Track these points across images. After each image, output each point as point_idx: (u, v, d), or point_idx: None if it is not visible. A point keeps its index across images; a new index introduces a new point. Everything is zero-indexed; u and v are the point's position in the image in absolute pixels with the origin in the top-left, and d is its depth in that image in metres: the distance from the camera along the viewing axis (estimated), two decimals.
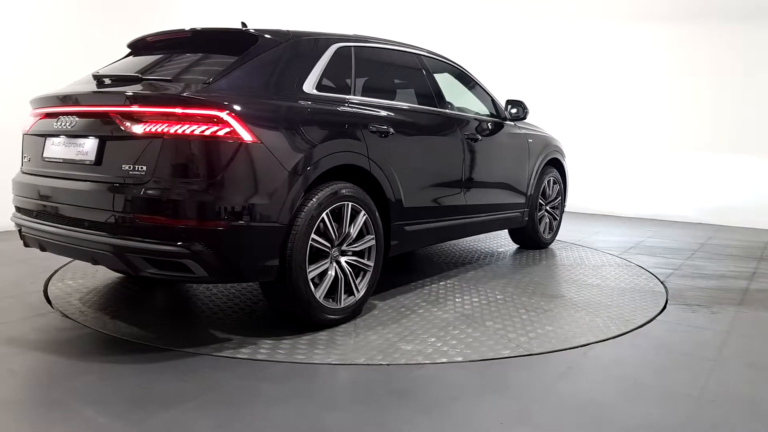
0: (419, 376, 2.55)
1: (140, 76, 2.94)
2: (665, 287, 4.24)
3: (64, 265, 4.31)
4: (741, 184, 7.94)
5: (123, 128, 2.68)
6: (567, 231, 6.84)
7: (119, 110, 2.72)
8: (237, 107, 2.67)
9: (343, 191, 3.08)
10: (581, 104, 8.97)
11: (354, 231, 3.17)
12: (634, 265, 4.98)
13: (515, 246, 5.67)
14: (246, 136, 2.66)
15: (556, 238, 6.00)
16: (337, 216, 3.07)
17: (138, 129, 2.64)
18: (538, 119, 9.17)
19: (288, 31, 3.29)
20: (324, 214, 2.97)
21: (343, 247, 3.14)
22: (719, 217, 7.96)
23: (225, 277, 2.82)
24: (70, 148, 2.94)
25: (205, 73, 2.96)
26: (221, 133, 2.61)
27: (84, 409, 2.17)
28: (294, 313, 3.05)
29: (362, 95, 3.50)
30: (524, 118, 5.00)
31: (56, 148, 3.02)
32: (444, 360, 2.74)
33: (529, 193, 5.16)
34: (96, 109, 2.85)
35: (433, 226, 3.96)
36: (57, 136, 3.02)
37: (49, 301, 3.45)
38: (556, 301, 3.78)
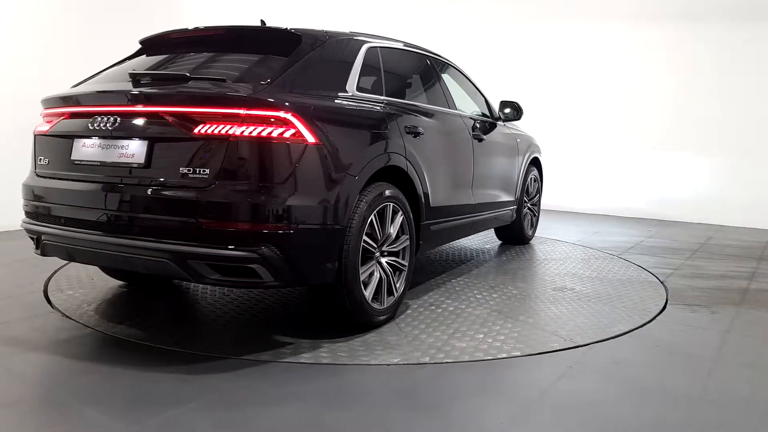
0: (419, 376, 2.55)
1: (188, 75, 2.79)
2: (665, 287, 4.24)
3: (64, 265, 4.31)
4: (741, 184, 7.93)
5: (179, 129, 2.56)
6: (567, 231, 6.85)
7: (176, 111, 2.59)
8: (300, 108, 2.64)
9: (386, 192, 3.08)
10: (581, 104, 8.97)
11: (394, 232, 3.19)
12: (634, 265, 4.98)
13: (498, 242, 5.83)
14: (309, 137, 2.63)
15: (556, 238, 6.07)
16: (378, 217, 3.07)
17: (198, 130, 2.53)
18: (536, 119, 9.18)
19: (324, 30, 3.26)
20: (372, 216, 2.98)
21: (384, 248, 3.15)
22: (719, 217, 7.95)
23: (290, 281, 2.70)
24: (109, 150, 2.74)
25: (254, 72, 2.92)
26: (287, 134, 2.56)
27: (84, 409, 2.16)
28: (345, 316, 2.99)
29: (390, 96, 3.48)
30: (519, 119, 5.04)
31: (90, 150, 2.81)
32: (504, 355, 2.82)
33: (517, 191, 5.38)
34: (145, 109, 2.69)
35: (450, 225, 4.06)
36: (90, 137, 2.81)
37: (49, 301, 3.45)
38: (557, 295, 3.79)
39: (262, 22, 3.36)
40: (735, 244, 6.44)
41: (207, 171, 2.51)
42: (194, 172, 2.54)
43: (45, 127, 3.05)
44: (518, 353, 2.84)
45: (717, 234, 7.12)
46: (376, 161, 3.04)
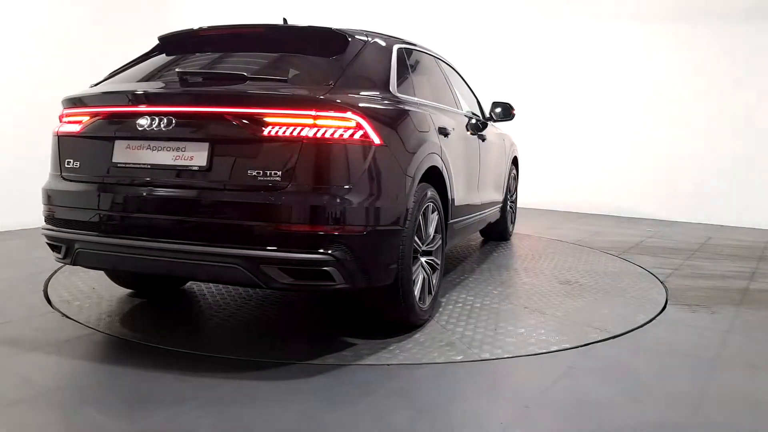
0: (419, 376, 2.55)
1: (245, 74, 2.72)
2: (665, 287, 4.24)
3: (64, 265, 4.30)
4: (741, 184, 7.93)
5: (247, 131, 2.49)
6: (567, 230, 6.85)
7: (243, 112, 2.51)
8: (366, 110, 2.64)
9: (428, 192, 3.12)
10: (581, 104, 8.97)
11: (432, 231, 3.23)
12: (634, 265, 4.98)
13: (481, 238, 6.01)
14: (376, 139, 2.63)
15: (556, 238, 6.11)
16: (422, 217, 3.09)
17: (268, 132, 2.47)
18: (536, 119, 9.18)
19: (363, 30, 3.24)
20: (420, 216, 3.01)
21: (424, 248, 3.17)
22: (719, 217, 7.96)
23: (359, 283, 2.63)
24: (161, 152, 2.61)
25: (312, 73, 2.92)
26: (357, 136, 2.55)
27: (84, 409, 2.17)
28: (398, 317, 3.01)
29: (418, 96, 3.47)
30: (511, 119, 5.07)
31: (137, 152, 2.65)
32: (549, 349, 2.91)
33: (504, 189, 5.54)
34: (208, 110, 2.60)
35: (466, 223, 4.15)
36: (137, 138, 2.65)
37: (49, 301, 3.45)
38: (567, 288, 3.79)
39: (285, 20, 3.35)
40: (735, 244, 6.44)
41: (279, 173, 2.45)
42: (264, 174, 2.46)
43: (72, 128, 2.85)
44: (567, 345, 2.97)
45: (717, 234, 7.12)
46: (425, 161, 3.08)
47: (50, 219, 2.90)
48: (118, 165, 2.69)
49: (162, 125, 2.57)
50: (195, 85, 2.78)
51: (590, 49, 8.91)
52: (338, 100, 2.58)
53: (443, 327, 3.17)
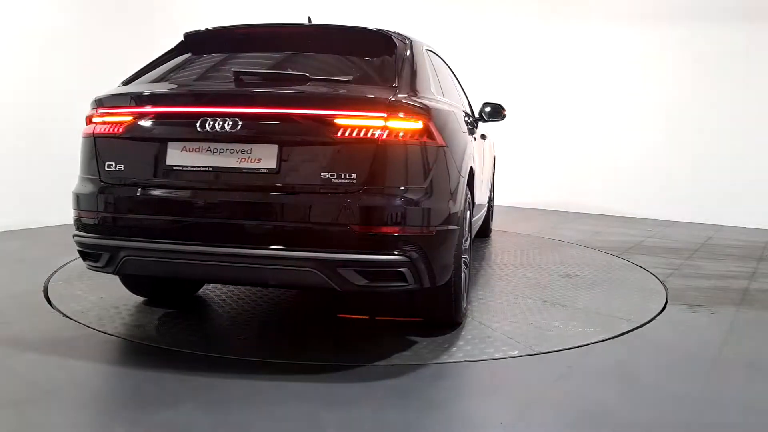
0: (419, 376, 2.55)
1: (308, 75, 2.70)
2: (665, 287, 4.24)
3: (64, 265, 4.31)
4: (741, 184, 7.92)
5: (318, 133, 2.47)
6: (567, 230, 6.85)
7: (315, 113, 2.49)
8: (430, 111, 2.64)
9: (467, 192, 3.16)
10: (580, 105, 8.97)
11: (467, 230, 3.27)
12: (634, 265, 4.98)
13: None
14: (440, 140, 2.65)
15: (556, 238, 6.13)
16: None
17: (342, 133, 2.44)
18: (535, 120, 9.18)
19: (398, 32, 3.23)
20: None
21: (464, 246, 3.20)
22: (719, 217, 7.96)
23: (426, 283, 2.61)
24: (224, 154, 2.52)
25: (371, 75, 2.91)
26: (425, 137, 2.56)
27: (84, 409, 2.17)
28: (447, 315, 3.04)
29: (446, 97, 3.47)
30: (502, 119, 5.08)
31: (195, 155, 2.54)
32: (590, 341, 3.05)
33: (491, 188, 5.74)
34: (277, 111, 2.55)
35: (477, 222, 4.29)
36: (195, 140, 2.55)
37: (49, 301, 3.45)
38: (572, 282, 3.79)
39: (309, 19, 3.35)
40: (735, 244, 6.44)
41: (354, 175, 2.43)
42: (339, 176, 2.43)
43: (112, 129, 2.69)
44: (605, 336, 3.10)
45: (717, 234, 7.12)
46: (468, 161, 3.13)
47: (86, 225, 2.73)
48: (174, 168, 2.57)
49: (227, 127, 2.48)
50: (256, 86, 2.71)
51: (590, 49, 8.90)
52: (408, 102, 2.59)
53: (480, 324, 3.23)
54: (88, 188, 2.73)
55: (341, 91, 2.68)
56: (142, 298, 3.54)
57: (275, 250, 2.44)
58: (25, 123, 5.93)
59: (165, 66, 3.09)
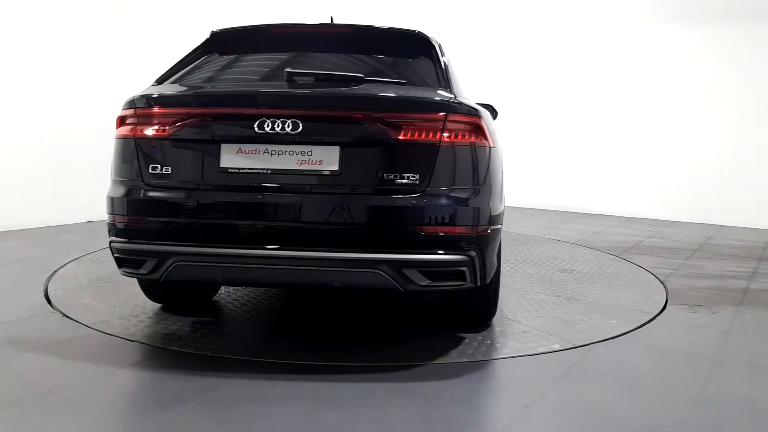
0: (419, 376, 2.55)
1: (362, 76, 2.71)
2: (665, 287, 4.24)
3: (64, 265, 4.31)
4: (741, 184, 7.93)
5: (382, 134, 2.47)
6: (567, 230, 6.85)
7: (378, 115, 2.49)
8: (481, 112, 2.66)
9: None
10: (580, 104, 8.97)
11: None
12: (634, 265, 4.98)
13: None
14: (491, 141, 2.68)
15: (556, 238, 6.10)
16: None
17: (404, 135, 2.46)
18: (535, 120, 9.18)
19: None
20: None
21: None
22: (719, 217, 7.96)
23: (480, 281, 2.63)
24: (283, 156, 2.48)
25: (420, 76, 2.92)
26: (479, 138, 2.59)
27: (84, 409, 2.17)
28: (484, 312, 3.14)
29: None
30: (494, 119, 5.07)
31: (252, 157, 2.49)
32: (617, 333, 3.19)
33: None
34: (340, 113, 2.54)
35: None
36: (251, 142, 2.49)
37: (49, 301, 3.45)
38: (571, 276, 3.80)
39: (332, 19, 3.36)
40: (735, 244, 6.44)
41: (417, 176, 2.45)
42: (402, 177, 2.45)
43: (156, 131, 2.59)
44: (629, 328, 3.26)
45: (717, 234, 7.12)
46: (503, 161, 3.13)
47: (127, 231, 2.62)
48: (229, 170, 2.50)
49: (287, 128, 2.44)
50: (309, 87, 2.68)
51: (590, 49, 8.91)
52: (464, 104, 2.61)
53: (510, 320, 3.32)
54: (129, 192, 2.62)
55: (401, 92, 2.69)
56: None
57: (340, 252, 2.43)
58: (25, 123, 5.93)
59: (198, 65, 3.03)
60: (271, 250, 2.45)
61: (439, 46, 3.15)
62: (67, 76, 6.30)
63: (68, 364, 2.59)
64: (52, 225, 6.12)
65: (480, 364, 2.71)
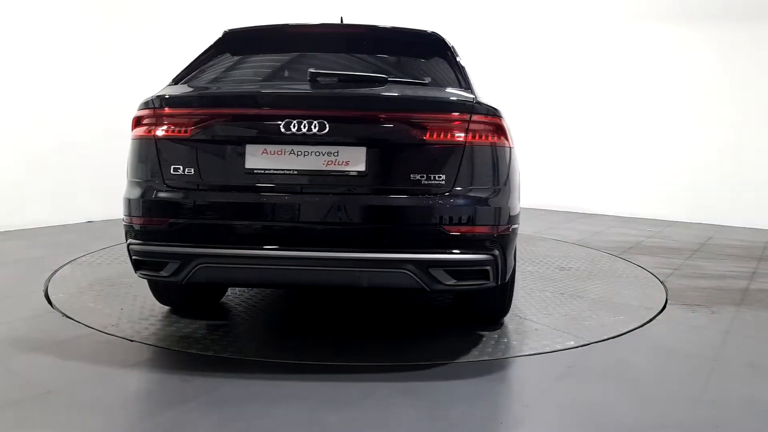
0: (419, 376, 2.55)
1: (386, 77, 2.72)
2: (665, 287, 4.24)
3: (64, 265, 4.31)
4: (741, 184, 7.92)
5: (408, 135, 2.48)
6: (567, 231, 6.85)
7: (404, 115, 2.50)
8: (501, 113, 2.67)
9: None
10: (581, 104, 8.97)
11: None
12: (634, 265, 4.98)
13: None
14: (510, 141, 2.70)
15: (556, 238, 6.09)
16: None
17: (430, 135, 2.48)
18: (535, 120, 9.17)
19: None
20: None
21: None
22: (719, 217, 7.95)
23: (500, 280, 2.65)
24: (309, 157, 2.47)
25: (440, 77, 2.93)
26: (501, 139, 2.61)
27: (84, 409, 2.17)
28: (499, 311, 3.18)
29: None
30: None
31: (278, 158, 2.47)
32: (628, 329, 3.27)
33: None
34: (366, 114, 2.54)
35: None
36: (277, 143, 2.48)
37: (49, 301, 3.45)
38: (572, 273, 3.80)
39: (341, 19, 3.37)
40: (735, 244, 6.43)
41: (443, 177, 2.48)
42: (428, 178, 2.47)
43: (177, 131, 2.55)
44: (635, 325, 3.33)
45: (717, 234, 7.12)
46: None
47: (147, 233, 2.57)
48: (255, 171, 2.48)
49: (314, 129, 2.43)
50: (333, 87, 2.68)
51: (589, 49, 8.91)
52: (486, 104, 2.62)
53: (520, 318, 3.36)
54: (150, 193, 2.57)
55: (426, 93, 2.70)
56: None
57: (367, 253, 2.44)
58: (24, 124, 5.93)
59: (213, 65, 3.02)
60: (298, 251, 2.44)
61: (453, 47, 3.16)
62: (67, 76, 6.30)
63: (68, 364, 2.59)
64: (52, 225, 6.12)
65: (483, 364, 2.71)
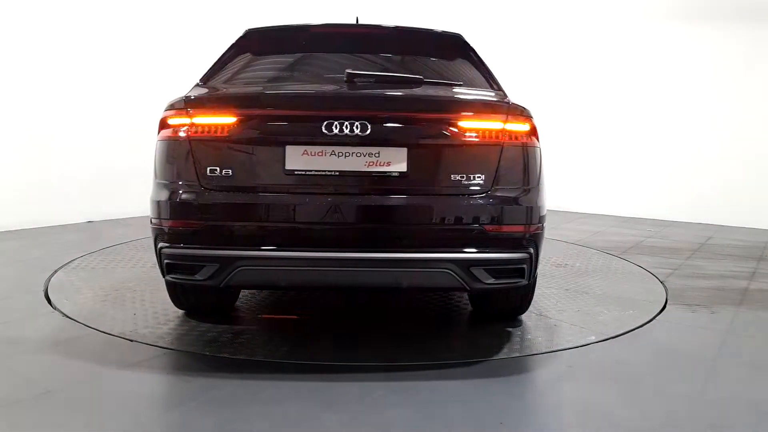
0: (419, 376, 2.55)
1: (422, 78, 2.77)
2: (665, 287, 4.24)
3: (64, 265, 4.31)
4: (741, 184, 7.92)
5: (448, 135, 2.51)
6: (567, 231, 6.85)
7: (445, 116, 2.53)
8: (532, 114, 2.71)
9: None
10: (581, 104, 8.97)
11: None
12: (634, 265, 4.97)
13: None
14: (538, 141, 2.72)
15: (556, 238, 6.12)
16: None
17: (470, 136, 2.52)
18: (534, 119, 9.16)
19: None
20: None
21: None
22: (719, 217, 7.95)
23: (530, 278, 2.69)
24: (350, 158, 2.46)
25: (469, 77, 2.95)
26: (532, 139, 2.65)
27: (84, 409, 2.17)
28: (521, 308, 3.22)
29: None
30: None
31: (318, 159, 2.46)
32: (641, 323, 3.36)
33: None
34: (407, 115, 2.55)
35: None
36: (318, 144, 2.46)
37: (49, 301, 3.45)
38: (569, 269, 3.80)
39: (357, 20, 3.39)
40: (735, 244, 6.43)
41: (482, 177, 2.52)
42: (468, 178, 2.51)
43: (212, 132, 2.50)
44: (647, 318, 3.42)
45: (717, 234, 7.12)
46: None
47: (182, 236, 2.51)
48: (296, 172, 2.47)
49: (356, 130, 2.43)
50: (371, 88, 2.70)
51: (589, 49, 8.90)
52: (519, 105, 2.66)
53: (536, 314, 3.41)
54: (185, 195, 2.51)
55: (464, 94, 2.75)
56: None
57: (410, 253, 2.46)
58: (24, 124, 5.93)
59: (239, 65, 3.01)
60: (341, 252, 2.45)
61: (474, 48, 3.19)
62: (67, 75, 6.30)
63: (68, 364, 2.59)
64: (52, 225, 6.12)
65: (483, 363, 2.71)
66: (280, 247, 2.46)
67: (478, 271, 2.48)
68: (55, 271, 4.13)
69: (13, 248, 4.94)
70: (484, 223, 2.50)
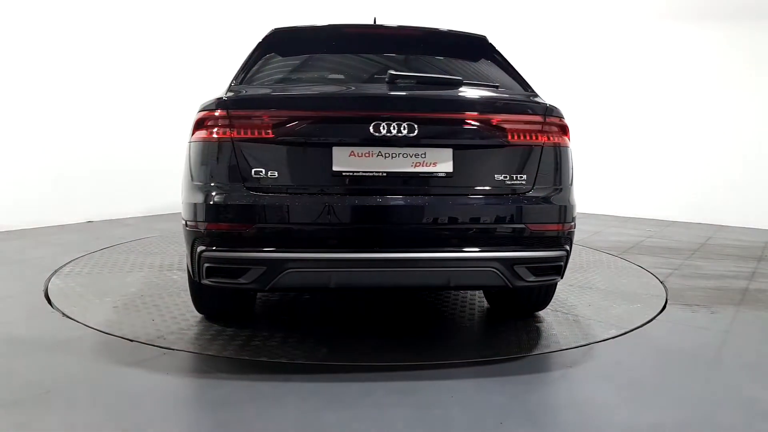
0: (419, 376, 2.55)
1: (461, 79, 2.82)
2: (665, 287, 4.24)
3: (64, 265, 4.31)
4: (741, 184, 7.92)
5: (492, 136, 2.58)
6: None
7: (488, 117, 2.58)
8: (563, 114, 2.76)
9: None
10: (581, 104, 8.96)
11: None
12: (634, 265, 4.98)
13: None
14: (569, 142, 2.78)
15: None
16: None
17: (513, 137, 2.58)
18: None
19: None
20: None
21: None
22: (719, 217, 7.95)
23: (562, 275, 2.76)
24: (397, 159, 2.48)
25: (500, 79, 3.00)
26: (566, 139, 2.73)
27: (84, 409, 2.17)
28: (543, 303, 3.30)
29: None
30: None
31: (365, 160, 2.46)
32: (652, 316, 3.47)
33: None
34: (452, 116, 2.59)
35: None
36: (364, 145, 2.46)
37: (49, 301, 3.45)
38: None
39: (374, 20, 3.41)
40: (735, 244, 6.43)
41: (524, 177, 2.59)
42: (512, 178, 2.58)
43: (259, 133, 2.47)
44: (652, 314, 3.51)
45: (717, 234, 7.12)
46: None
47: (228, 239, 2.45)
48: (343, 173, 2.46)
49: (403, 131, 2.45)
50: (412, 89, 2.74)
51: (589, 48, 8.90)
52: (554, 107, 2.72)
53: (552, 310, 3.47)
54: (229, 198, 2.45)
55: (505, 95, 2.80)
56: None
57: (457, 252, 2.51)
58: (23, 124, 5.93)
59: (269, 65, 3.01)
60: (388, 253, 2.46)
61: (494, 46, 3.25)
62: (67, 76, 6.30)
63: (68, 364, 2.59)
64: (52, 225, 6.12)
65: (483, 363, 2.71)
66: (329, 249, 2.45)
67: (521, 269, 2.54)
68: (56, 271, 4.13)
69: (13, 248, 4.94)
70: (527, 222, 2.56)
